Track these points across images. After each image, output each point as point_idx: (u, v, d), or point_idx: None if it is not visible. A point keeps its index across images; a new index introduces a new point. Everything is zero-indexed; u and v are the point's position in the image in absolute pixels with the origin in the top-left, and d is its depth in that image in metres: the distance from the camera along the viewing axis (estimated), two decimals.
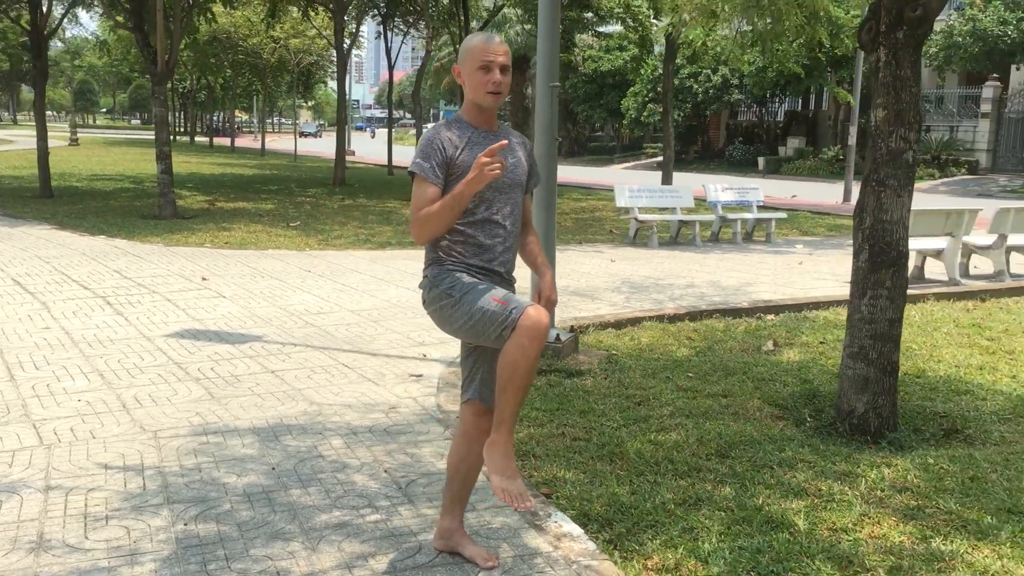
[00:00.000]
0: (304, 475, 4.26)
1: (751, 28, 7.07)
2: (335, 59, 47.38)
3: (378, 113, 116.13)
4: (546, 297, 3.32)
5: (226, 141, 60.55)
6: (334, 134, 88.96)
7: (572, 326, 6.92)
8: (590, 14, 25.56)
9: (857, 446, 5.03)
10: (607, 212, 18.71)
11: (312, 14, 28.98)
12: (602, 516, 3.95)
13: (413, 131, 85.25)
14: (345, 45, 24.80)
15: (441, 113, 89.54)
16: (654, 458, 4.65)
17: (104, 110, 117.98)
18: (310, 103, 75.02)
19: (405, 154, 41.63)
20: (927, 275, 10.80)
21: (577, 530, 3.76)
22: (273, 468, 4.33)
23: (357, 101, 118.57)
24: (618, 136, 50.57)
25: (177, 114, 63.72)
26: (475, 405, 3.39)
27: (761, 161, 38.59)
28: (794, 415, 5.52)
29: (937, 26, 32.22)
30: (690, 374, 6.29)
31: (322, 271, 10.06)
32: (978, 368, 6.71)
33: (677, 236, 13.90)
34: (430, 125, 65.60)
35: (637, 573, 3.46)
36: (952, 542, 3.79)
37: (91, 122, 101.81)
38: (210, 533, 3.63)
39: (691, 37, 14.43)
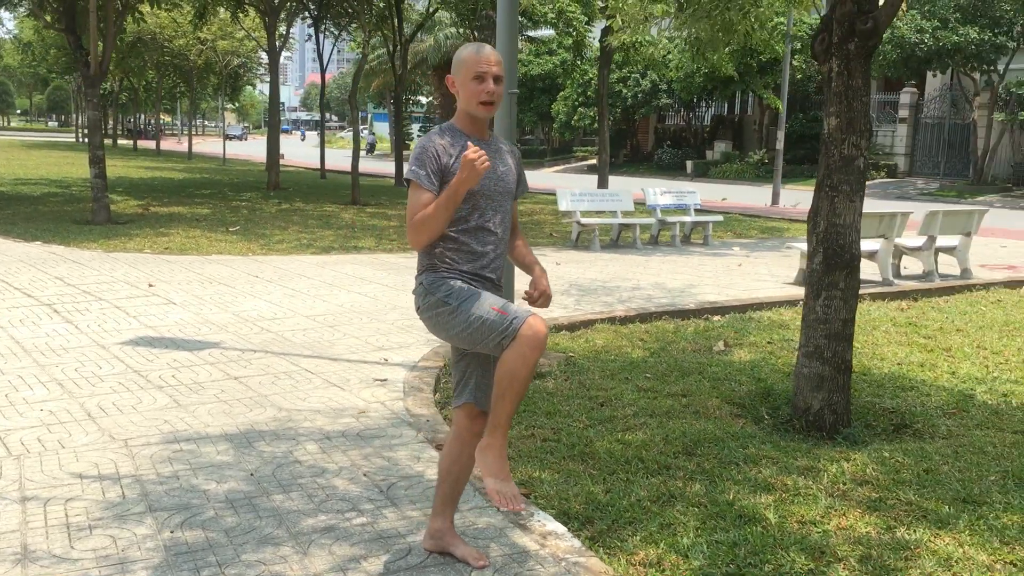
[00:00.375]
0: (284, 480, 4.27)
1: (694, 35, 7.26)
2: (263, 61, 46.82)
3: (303, 116, 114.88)
4: (541, 290, 3.40)
5: (149, 144, 59.34)
6: (259, 137, 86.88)
7: None
8: (522, 19, 25.70)
9: (814, 442, 5.22)
10: (545, 215, 18.88)
11: (241, 16, 28.59)
12: (582, 514, 4.05)
13: (342, 134, 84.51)
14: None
15: (369, 116, 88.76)
16: (624, 457, 4.77)
17: (19, 112, 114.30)
18: (235, 105, 73.93)
19: (337, 158, 41.29)
20: (860, 276, 11.15)
21: (561, 528, 3.85)
22: (252, 474, 4.34)
23: (283, 104, 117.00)
24: (548, 139, 50.90)
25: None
26: (469, 408, 3.45)
27: (689, 164, 39.26)
28: (752, 413, 5.70)
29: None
30: (648, 375, 6.44)
31: (270, 276, 9.98)
32: (919, 365, 7.00)
33: (618, 239, 14.11)
34: (364, 127, 64.49)
35: (624, 569, 3.57)
36: (915, 531, 3.98)
37: (6, 124, 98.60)
38: (198, 540, 3.63)
39: (630, 41, 14.68)
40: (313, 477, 4.32)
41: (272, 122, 23.77)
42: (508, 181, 3.43)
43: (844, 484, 4.51)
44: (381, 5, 23.16)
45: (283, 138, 45.76)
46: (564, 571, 3.46)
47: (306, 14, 30.19)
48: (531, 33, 31.88)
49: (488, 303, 3.22)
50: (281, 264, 10.95)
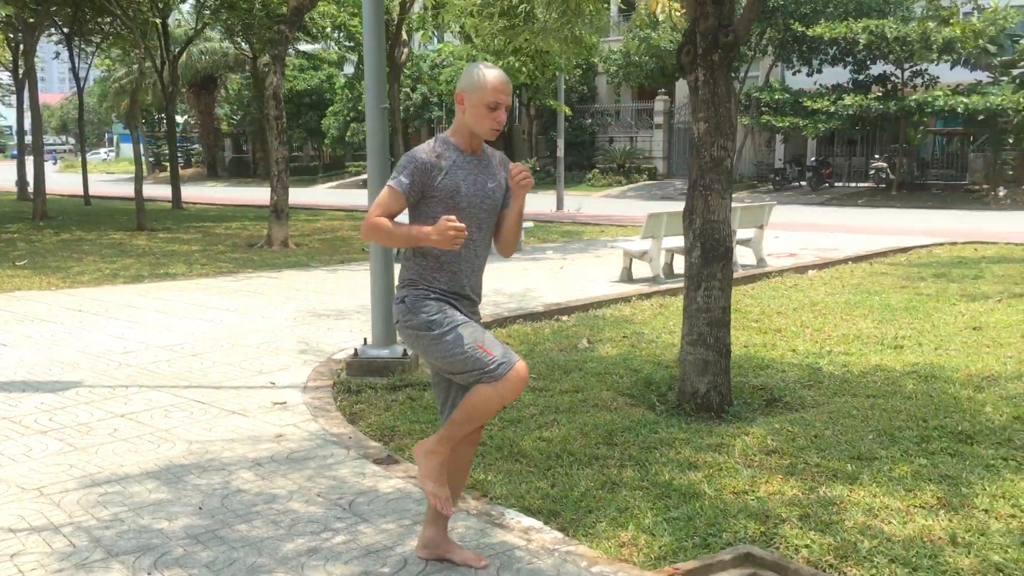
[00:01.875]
0: (237, 510, 4.15)
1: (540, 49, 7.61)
2: (2, 82, 42.96)
3: (29, 139, 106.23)
4: (520, 169, 3.37)
5: None
6: None
7: None
8: (299, 34, 25.31)
9: (707, 422, 5.63)
10: (346, 231, 18.75)
11: None
12: (544, 508, 4.21)
13: (94, 155, 78.88)
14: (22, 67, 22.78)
15: (115, 137, 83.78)
16: (552, 452, 4.97)
17: None
18: None
19: (100, 185, 38.68)
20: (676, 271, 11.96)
21: (537, 523, 4.01)
22: (200, 508, 4.18)
23: (10, 127, 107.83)
24: (320, 156, 50.21)
25: None
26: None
27: None
28: (645, 401, 6.06)
29: (615, 46, 35.22)
30: (533, 375, 6.66)
31: (94, 309, 9.38)
32: (763, 346, 7.66)
33: None
34: (111, 149, 60.15)
35: (614, 551, 3.78)
36: (833, 488, 4.44)
37: None
38: None
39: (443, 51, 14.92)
40: (267, 504, 4.22)
41: (36, 146, 22.07)
42: (496, 197, 3.46)
43: (754, 456, 4.93)
44: (157, 21, 22.06)
45: (30, 163, 42.37)
46: (562, 560, 3.62)
47: (52, 31, 28.27)
48: (304, 47, 31.34)
49: (472, 338, 3.30)
50: (98, 296, 10.30)
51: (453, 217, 3.20)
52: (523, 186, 3.36)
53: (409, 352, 6.72)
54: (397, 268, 8.16)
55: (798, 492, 4.40)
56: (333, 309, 9.28)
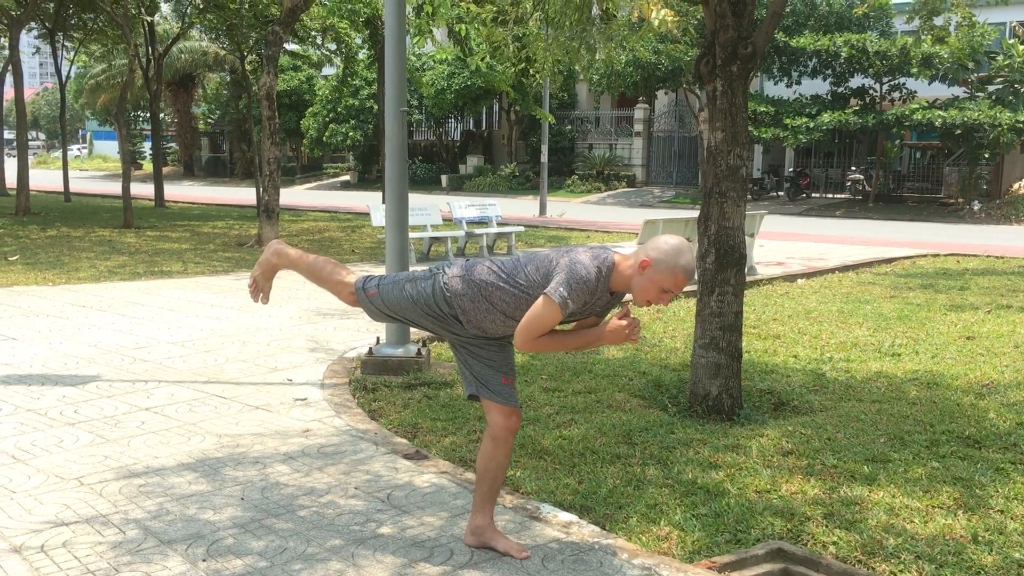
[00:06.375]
0: (280, 502, 4.24)
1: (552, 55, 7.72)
2: None
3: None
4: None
5: None
6: None
7: (424, 339, 7.16)
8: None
9: (719, 424, 5.78)
10: (334, 232, 18.78)
11: None
12: (576, 504, 4.34)
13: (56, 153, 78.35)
14: None
15: (88, 134, 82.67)
16: (575, 450, 5.09)
17: None
18: None
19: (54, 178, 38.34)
20: None
21: (573, 517, 4.13)
22: (242, 499, 4.26)
23: None
24: (298, 156, 50.07)
25: None
26: (490, 404, 3.69)
27: (444, 179, 40.11)
28: (657, 403, 6.20)
29: (598, 55, 35.40)
30: (544, 376, 6.80)
31: (99, 305, 9.39)
32: (764, 352, 7.83)
33: (429, 252, 14.38)
34: (83, 145, 58.97)
35: (653, 545, 3.91)
36: (853, 489, 4.59)
37: None
38: (240, 567, 3.57)
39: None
40: (308, 496, 4.31)
41: (20, 142, 21.89)
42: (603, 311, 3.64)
43: (772, 456, 5.08)
44: (147, 18, 21.97)
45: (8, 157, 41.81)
46: (603, 553, 3.74)
47: (33, 25, 28.09)
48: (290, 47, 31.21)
49: (395, 304, 3.66)
50: (99, 292, 10.30)
51: (626, 319, 3.40)
52: (627, 341, 3.52)
53: (423, 352, 6.82)
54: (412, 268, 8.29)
55: (819, 492, 4.55)
56: (336, 308, 9.35)
